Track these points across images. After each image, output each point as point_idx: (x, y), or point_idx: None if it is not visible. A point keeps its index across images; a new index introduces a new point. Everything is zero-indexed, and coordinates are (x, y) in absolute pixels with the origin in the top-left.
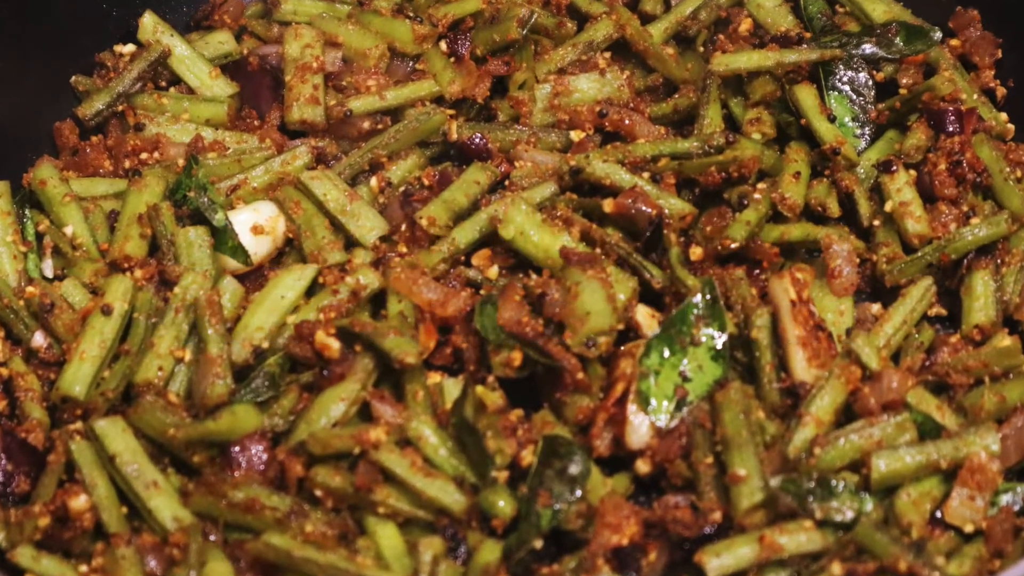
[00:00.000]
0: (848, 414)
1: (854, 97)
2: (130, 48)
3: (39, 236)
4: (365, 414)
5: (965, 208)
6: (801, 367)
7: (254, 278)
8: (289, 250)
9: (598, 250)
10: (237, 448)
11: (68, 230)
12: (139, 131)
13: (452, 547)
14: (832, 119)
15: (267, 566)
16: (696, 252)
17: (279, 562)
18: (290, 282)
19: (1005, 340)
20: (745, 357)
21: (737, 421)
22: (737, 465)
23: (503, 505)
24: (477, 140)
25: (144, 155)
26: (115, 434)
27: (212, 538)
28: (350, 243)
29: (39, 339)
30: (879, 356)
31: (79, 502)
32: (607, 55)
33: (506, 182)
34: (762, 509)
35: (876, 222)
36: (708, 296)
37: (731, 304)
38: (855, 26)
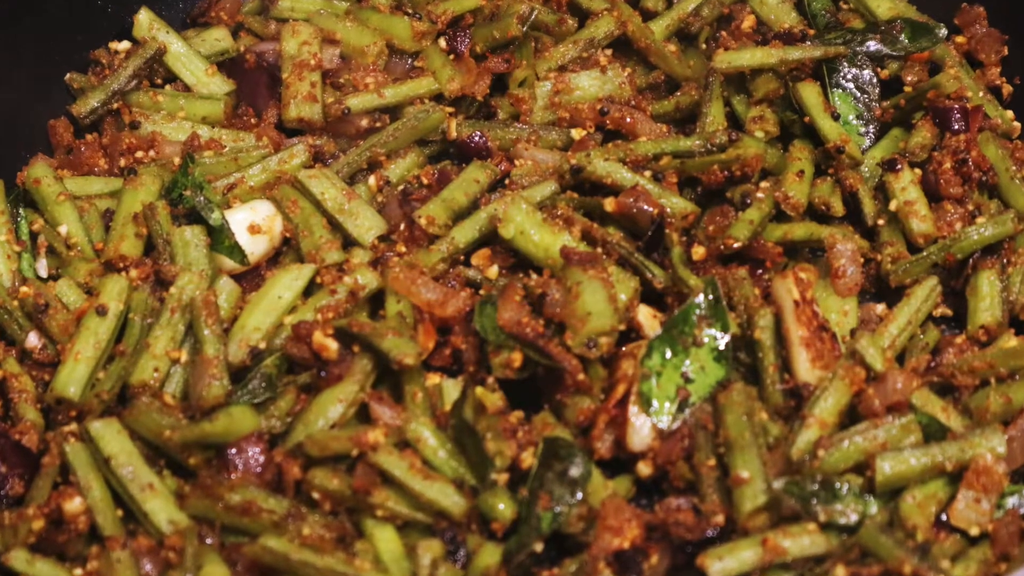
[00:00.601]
0: (852, 416)
1: (858, 95)
2: (125, 45)
3: (33, 236)
4: (363, 416)
5: (971, 207)
6: (805, 368)
7: (251, 278)
8: (286, 249)
9: (599, 250)
10: (234, 450)
11: (63, 229)
12: (134, 129)
13: (451, 550)
14: (836, 117)
15: (264, 569)
16: (698, 251)
17: (276, 565)
18: (287, 282)
19: (1011, 341)
20: (748, 358)
21: (740, 423)
22: (740, 467)
23: (503, 508)
24: (477, 138)
25: (139, 153)
26: (110, 436)
27: (209, 541)
28: (348, 242)
29: (33, 340)
30: (883, 357)
31: (74, 505)
32: (608, 52)
33: (506, 181)
34: (765, 512)
35: (880, 221)
36: (710, 296)
37: (734, 304)
38: (859, 23)
